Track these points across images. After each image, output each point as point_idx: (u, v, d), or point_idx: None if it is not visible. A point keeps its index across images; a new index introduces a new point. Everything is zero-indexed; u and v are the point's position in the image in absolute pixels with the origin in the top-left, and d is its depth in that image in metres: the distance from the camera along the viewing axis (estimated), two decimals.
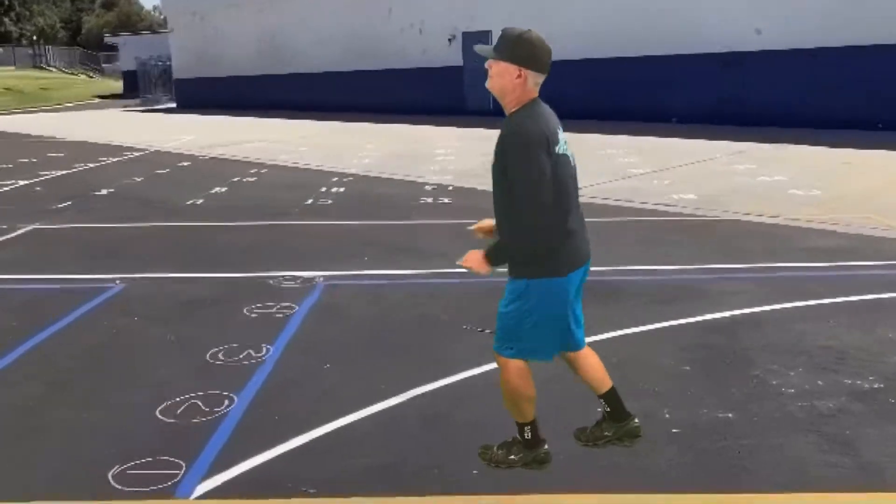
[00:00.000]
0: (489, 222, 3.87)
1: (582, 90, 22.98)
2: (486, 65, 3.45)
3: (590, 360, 4.00)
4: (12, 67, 66.15)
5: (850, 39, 17.99)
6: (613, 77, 22.37)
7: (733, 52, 20.07)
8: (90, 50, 77.59)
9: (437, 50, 26.99)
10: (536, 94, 3.54)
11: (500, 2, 24.70)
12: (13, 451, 4.37)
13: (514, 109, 3.48)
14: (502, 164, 3.43)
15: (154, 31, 66.18)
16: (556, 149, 3.45)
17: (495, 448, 3.95)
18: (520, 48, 3.42)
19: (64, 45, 79.82)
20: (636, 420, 4.07)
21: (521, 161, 3.36)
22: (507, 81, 3.43)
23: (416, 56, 27.71)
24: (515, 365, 3.72)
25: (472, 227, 3.95)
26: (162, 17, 72.51)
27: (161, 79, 44.75)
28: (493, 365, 5.09)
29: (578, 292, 3.74)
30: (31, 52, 73.92)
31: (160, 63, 43.85)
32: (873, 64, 17.78)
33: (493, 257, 3.57)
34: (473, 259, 3.59)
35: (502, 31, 3.47)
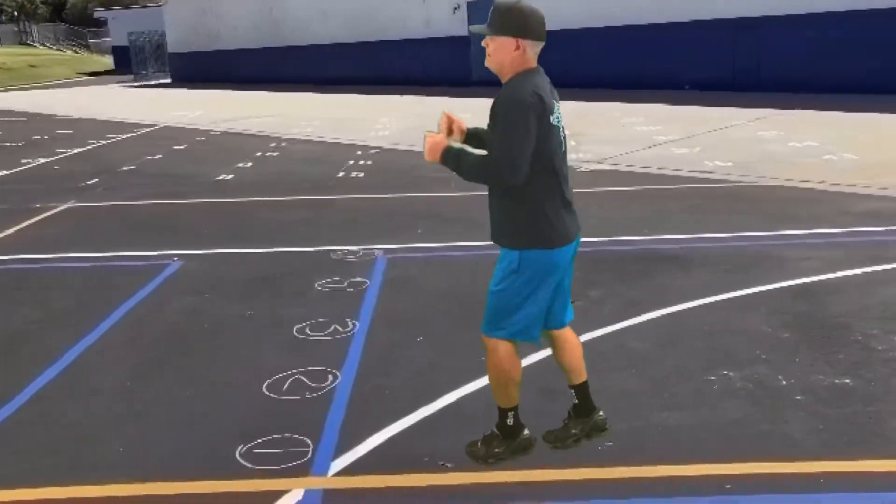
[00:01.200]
0: (460, 123, 3.66)
1: (593, 58, 22.86)
2: (483, 43, 3.38)
3: (573, 343, 3.90)
4: None
5: (869, 3, 17.89)
6: (624, 45, 22.21)
7: (747, 18, 19.92)
8: (76, 26, 76.54)
9: (440, 20, 26.72)
10: (536, 64, 3.45)
11: None
12: (125, 433, 4.30)
13: (511, 76, 3.40)
14: (494, 123, 3.36)
15: (143, 6, 65.40)
16: (551, 118, 3.37)
17: (479, 444, 3.79)
18: (513, 19, 3.33)
19: (46, 21, 78.64)
20: (601, 413, 3.92)
21: (510, 116, 3.29)
22: (505, 55, 3.35)
23: (420, 27, 27.44)
24: (505, 347, 3.60)
25: (445, 114, 3.69)
26: None
27: (155, 54, 44.24)
28: (591, 335, 5.10)
29: (569, 267, 3.65)
30: (15, 28, 72.94)
31: (154, 37, 43.30)
32: (893, 27, 17.71)
33: (448, 156, 3.47)
34: (433, 142, 3.49)
35: (493, 5, 3.37)
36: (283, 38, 32.93)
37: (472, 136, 3.68)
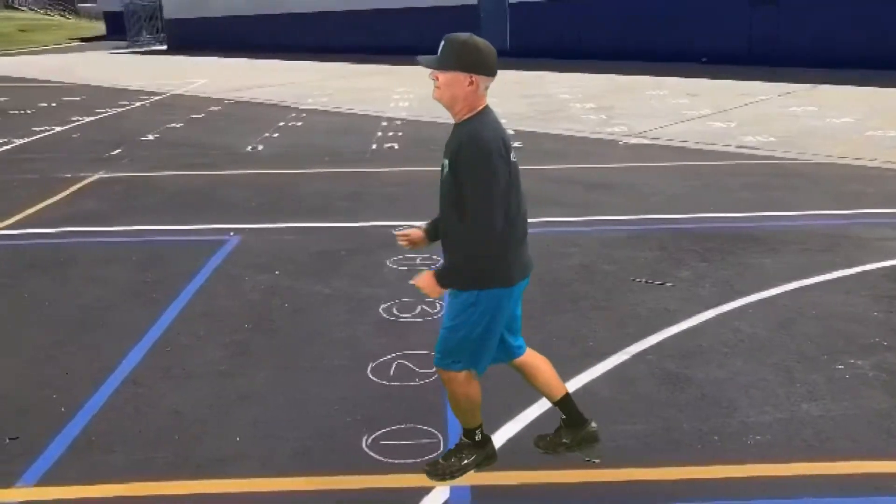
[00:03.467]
0: (416, 232, 3.56)
1: (608, 30, 22.56)
2: (432, 76, 3.22)
3: (540, 364, 3.71)
4: None
5: None
6: (640, 16, 21.90)
7: None
8: None
9: None
10: (486, 101, 3.28)
11: None
12: (237, 420, 4.08)
13: (465, 117, 3.24)
14: (456, 174, 3.19)
15: None
16: (511, 157, 3.23)
17: (441, 461, 3.59)
18: (467, 55, 3.17)
19: None
20: (593, 424, 3.73)
21: (481, 172, 3.13)
22: (458, 90, 3.20)
23: None
24: (465, 375, 3.46)
25: (398, 235, 3.61)
26: None
27: (150, 20, 43.52)
28: (697, 319, 4.91)
29: (518, 299, 3.49)
30: None
31: (150, 3, 42.55)
32: None
33: (443, 279, 3.30)
34: (426, 282, 3.32)
35: (445, 39, 3.22)
36: (284, 5, 32.35)
37: (432, 231, 3.56)
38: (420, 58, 3.28)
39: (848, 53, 18.10)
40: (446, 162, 3.27)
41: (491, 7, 25.38)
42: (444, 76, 3.21)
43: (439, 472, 3.54)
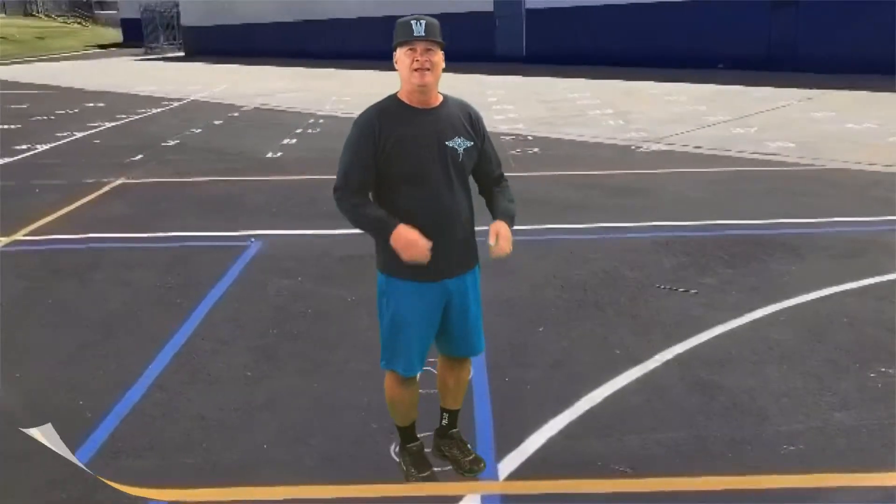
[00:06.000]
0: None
1: (623, 36, 22.51)
2: (424, 60, 3.07)
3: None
4: (2, 15, 64.67)
5: None
6: (657, 22, 21.85)
7: None
8: None
9: None
10: None
11: None
12: (263, 426, 4.06)
13: (439, 97, 3.23)
14: (483, 140, 3.33)
15: None
16: None
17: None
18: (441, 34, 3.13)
19: None
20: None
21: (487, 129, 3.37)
22: (440, 68, 3.15)
23: (444, 1, 26.95)
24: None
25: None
26: None
27: (167, 27, 43.77)
28: (724, 327, 4.87)
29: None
30: None
31: (168, 10, 42.80)
32: None
33: (511, 224, 3.31)
34: (506, 238, 3.21)
35: (426, 19, 3.12)
36: (304, 12, 32.46)
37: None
38: (426, 37, 3.10)
39: (867, 59, 17.96)
40: (460, 140, 3.21)
41: (507, 13, 25.38)
42: (438, 56, 3.13)
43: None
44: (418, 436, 3.64)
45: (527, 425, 3.95)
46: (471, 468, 3.60)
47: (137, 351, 4.93)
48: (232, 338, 5.13)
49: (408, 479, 3.54)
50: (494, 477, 3.56)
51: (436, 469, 3.61)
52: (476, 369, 4.56)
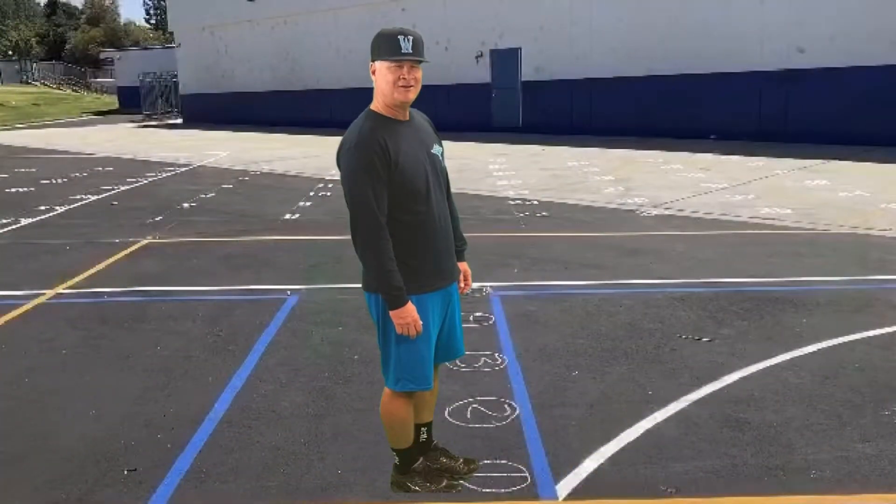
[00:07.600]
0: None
1: (617, 107, 23.24)
2: (412, 76, 3.17)
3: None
4: None
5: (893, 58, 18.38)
6: (648, 94, 22.61)
7: (777, 71, 20.35)
8: (75, 65, 77.03)
9: (463, 67, 27.11)
10: None
11: (529, 19, 24.95)
12: (333, 454, 4.41)
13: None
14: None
15: (144, 47, 66.00)
16: None
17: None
18: None
19: (43, 60, 79.21)
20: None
21: None
22: (420, 84, 3.25)
23: (442, 73, 27.81)
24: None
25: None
26: (156, 32, 72.42)
27: (164, 94, 44.61)
28: (745, 371, 5.27)
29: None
30: (17, 67, 73.34)
31: (166, 78, 43.67)
32: None
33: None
34: (469, 280, 3.68)
35: (413, 34, 3.15)
36: (300, 82, 33.24)
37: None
38: (414, 55, 3.13)
39: (857, 130, 18.69)
40: (437, 147, 3.45)
41: (504, 85, 26.18)
42: (420, 72, 3.21)
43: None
44: None
45: (577, 454, 4.31)
46: (468, 469, 3.94)
47: (201, 391, 5.28)
48: (289, 380, 5.48)
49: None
50: (554, 496, 3.91)
51: (500, 490, 3.95)
52: (522, 407, 4.94)
